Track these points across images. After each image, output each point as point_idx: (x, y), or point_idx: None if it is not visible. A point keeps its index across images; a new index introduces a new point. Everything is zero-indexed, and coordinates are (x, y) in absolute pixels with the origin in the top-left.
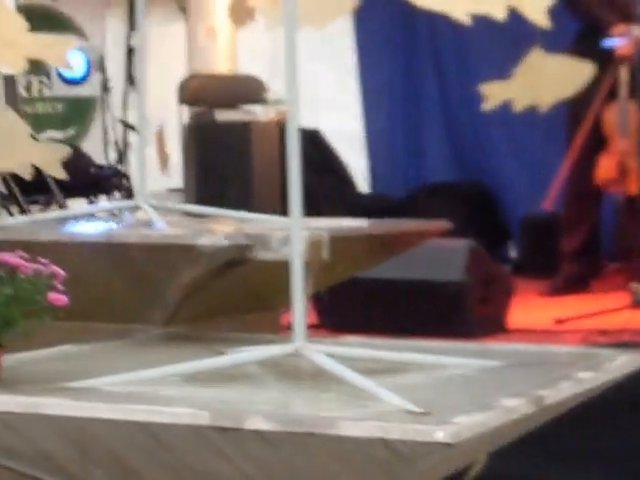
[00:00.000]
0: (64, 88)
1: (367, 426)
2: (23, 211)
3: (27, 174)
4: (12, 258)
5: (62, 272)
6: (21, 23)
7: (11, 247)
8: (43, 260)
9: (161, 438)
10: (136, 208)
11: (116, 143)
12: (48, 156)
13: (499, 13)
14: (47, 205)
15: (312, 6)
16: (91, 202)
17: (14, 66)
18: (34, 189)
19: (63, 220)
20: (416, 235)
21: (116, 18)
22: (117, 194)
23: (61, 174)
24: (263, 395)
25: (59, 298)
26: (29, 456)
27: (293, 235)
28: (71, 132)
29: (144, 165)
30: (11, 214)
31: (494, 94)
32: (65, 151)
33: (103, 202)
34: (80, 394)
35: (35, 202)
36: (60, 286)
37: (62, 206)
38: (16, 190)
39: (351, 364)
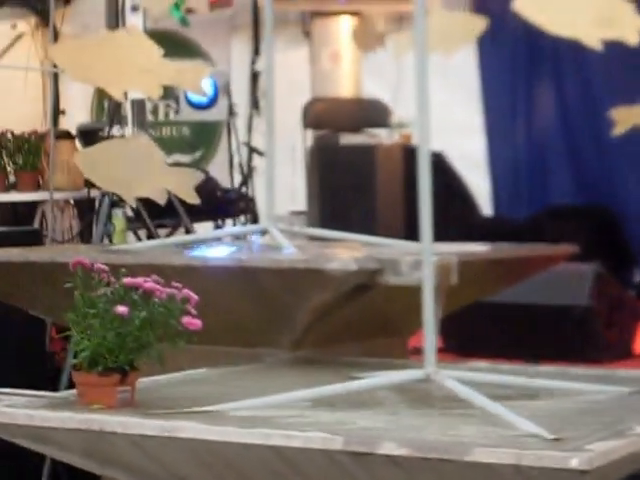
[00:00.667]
0: (192, 112)
1: (501, 453)
2: (151, 235)
3: (162, 200)
4: (147, 282)
5: (195, 296)
6: (157, 50)
7: (142, 271)
8: (176, 284)
9: (294, 462)
10: (264, 232)
11: (241, 166)
12: (182, 182)
13: (632, 38)
14: (174, 229)
15: (440, 33)
16: (218, 226)
17: (150, 92)
18: (162, 213)
19: (192, 244)
20: (543, 260)
21: (241, 43)
22: (241, 217)
23: (195, 199)
24: (394, 420)
25: (193, 322)
26: (163, 479)
27: (425, 260)
28: (197, 156)
29: (272, 189)
30: (139, 238)
31: (624, 119)
32: (198, 176)
33: (230, 226)
34: (213, 418)
35: (162, 226)
36: (193, 310)
37: (189, 230)
38: (145, 214)
39: (481, 390)
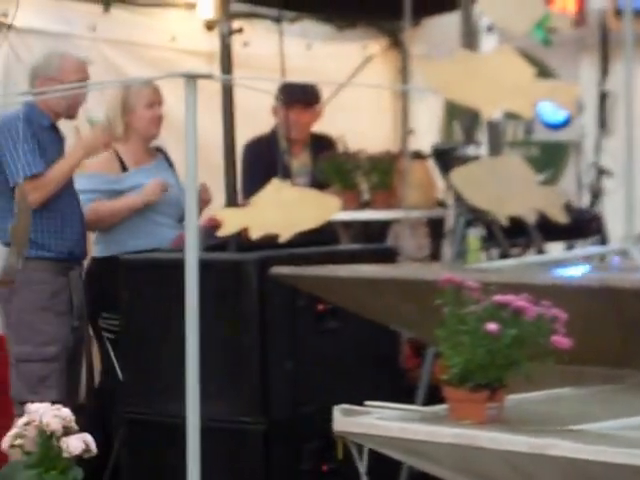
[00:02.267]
0: (545, 132)
1: None
2: (504, 254)
3: (531, 218)
4: (518, 300)
5: (564, 315)
6: (529, 69)
7: (504, 289)
8: (545, 302)
9: None
10: (622, 252)
11: (590, 187)
12: (552, 201)
13: None
14: (526, 248)
15: None
16: (570, 246)
17: (523, 111)
18: (514, 232)
19: (549, 263)
20: None
21: (589, 63)
22: (589, 238)
23: (563, 219)
24: None
25: (562, 341)
26: None
27: None
28: (546, 176)
29: (632, 210)
30: (491, 257)
31: None
32: (565, 196)
33: (580, 246)
34: (582, 437)
35: (515, 245)
36: (562, 329)
37: (540, 249)
38: (499, 233)
39: None
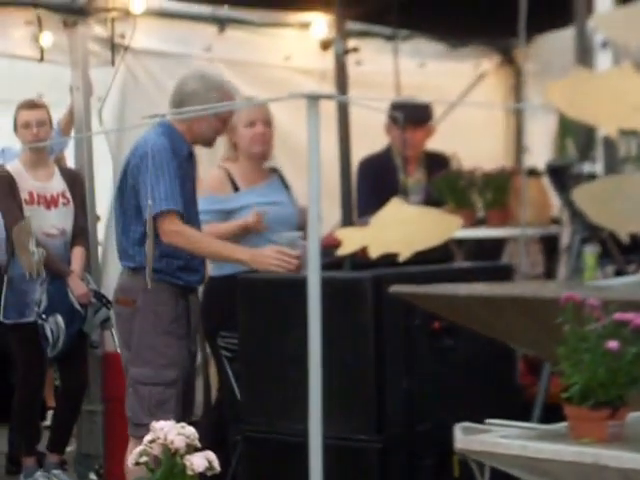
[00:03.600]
0: None
1: None
2: (620, 271)
3: None
4: (638, 318)
5: None
6: None
7: (623, 307)
8: None
9: None
10: None
11: None
12: None
13: None
14: None
15: None
16: None
17: None
18: (629, 249)
19: None
20: None
21: None
22: None
23: None
24: None
25: None
26: None
27: None
28: None
29: None
30: (606, 274)
31: None
32: None
33: None
34: None
35: (630, 261)
36: None
37: None
38: (615, 250)
39: None
